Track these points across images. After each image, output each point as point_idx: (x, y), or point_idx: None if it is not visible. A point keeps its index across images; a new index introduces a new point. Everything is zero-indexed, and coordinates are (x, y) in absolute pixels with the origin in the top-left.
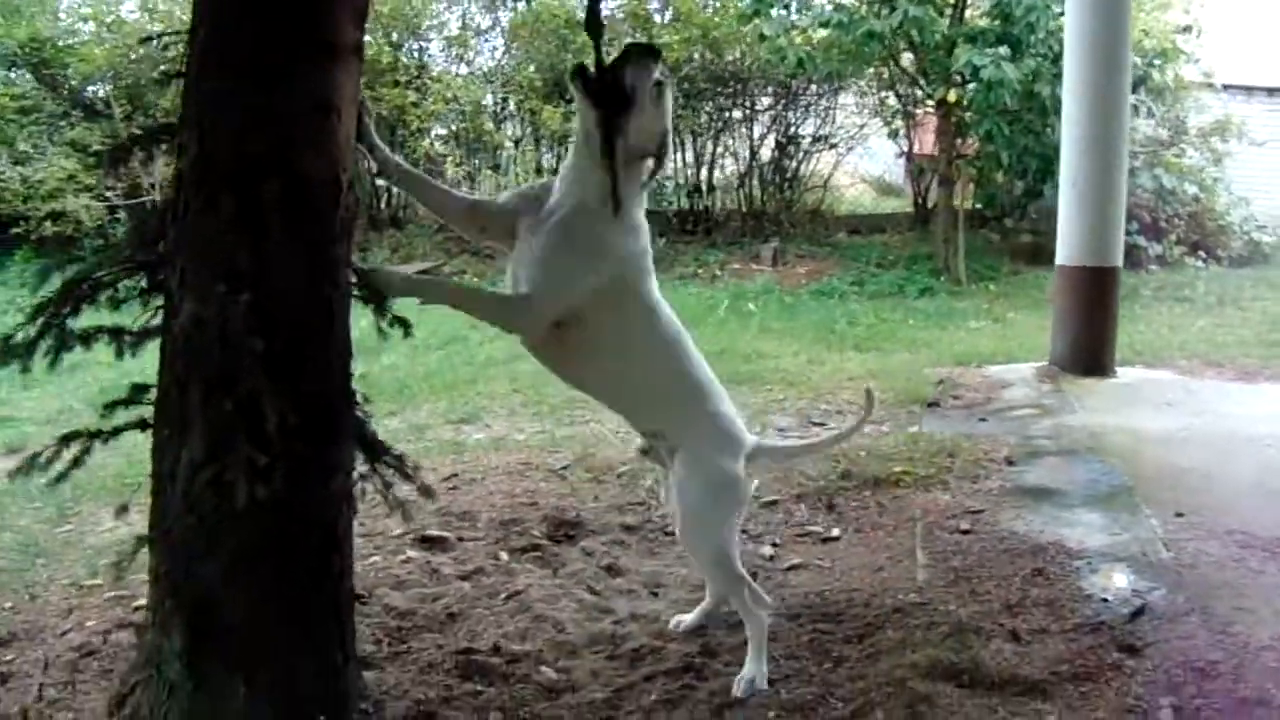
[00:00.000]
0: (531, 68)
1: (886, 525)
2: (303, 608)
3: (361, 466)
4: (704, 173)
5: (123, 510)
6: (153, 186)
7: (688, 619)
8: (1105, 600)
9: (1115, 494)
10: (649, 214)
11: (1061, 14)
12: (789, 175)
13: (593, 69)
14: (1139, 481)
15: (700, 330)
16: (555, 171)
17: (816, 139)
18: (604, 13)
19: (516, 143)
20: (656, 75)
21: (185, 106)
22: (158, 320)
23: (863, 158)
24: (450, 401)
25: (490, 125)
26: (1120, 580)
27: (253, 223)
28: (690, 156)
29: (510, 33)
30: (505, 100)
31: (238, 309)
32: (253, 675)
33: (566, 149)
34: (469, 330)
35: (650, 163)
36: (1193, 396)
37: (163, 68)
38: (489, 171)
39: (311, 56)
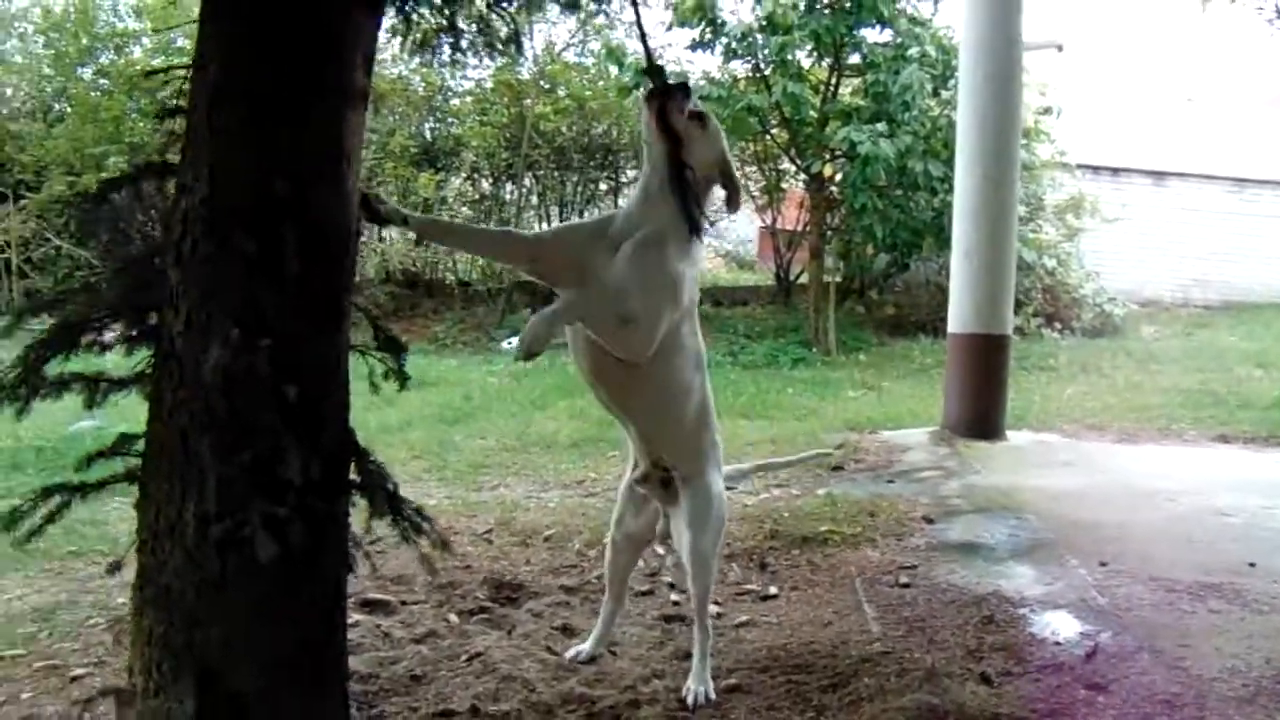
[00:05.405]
0: (402, 134)
1: (822, 582)
2: (313, 670)
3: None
4: None
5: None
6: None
7: (585, 648)
8: (1058, 643)
9: (1039, 547)
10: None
11: (934, 92)
12: None
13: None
14: (1058, 535)
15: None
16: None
17: None
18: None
19: None
20: (691, 106)
21: (190, 144)
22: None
23: (727, 231)
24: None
25: None
26: (1068, 624)
27: (272, 266)
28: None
29: (380, 99)
30: (376, 167)
31: (261, 355)
32: None
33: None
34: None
35: (720, 192)
36: (1085, 457)
37: (163, 102)
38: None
39: (326, 99)
